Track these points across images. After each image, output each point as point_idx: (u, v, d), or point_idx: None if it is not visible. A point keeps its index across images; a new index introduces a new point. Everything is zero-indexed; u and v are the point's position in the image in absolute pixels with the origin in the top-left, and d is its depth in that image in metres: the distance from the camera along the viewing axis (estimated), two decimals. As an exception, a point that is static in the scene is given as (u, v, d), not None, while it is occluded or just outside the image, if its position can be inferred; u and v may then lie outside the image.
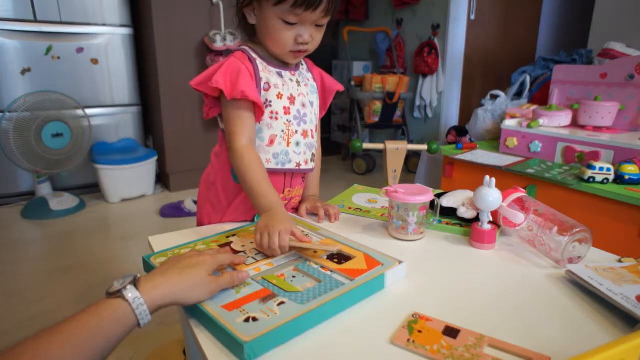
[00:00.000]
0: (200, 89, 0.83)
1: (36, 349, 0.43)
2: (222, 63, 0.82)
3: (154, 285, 0.53)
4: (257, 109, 0.83)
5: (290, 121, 0.87)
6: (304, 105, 0.90)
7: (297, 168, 0.90)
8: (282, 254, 0.70)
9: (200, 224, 0.95)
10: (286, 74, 0.88)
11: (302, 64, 0.93)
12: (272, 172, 0.88)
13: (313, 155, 0.94)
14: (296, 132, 0.88)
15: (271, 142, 0.86)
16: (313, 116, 0.92)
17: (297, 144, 0.89)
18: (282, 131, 0.86)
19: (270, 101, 0.84)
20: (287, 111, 0.87)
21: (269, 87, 0.84)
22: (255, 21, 0.83)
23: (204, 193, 0.95)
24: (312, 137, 0.92)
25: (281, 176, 0.91)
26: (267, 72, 0.85)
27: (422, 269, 0.71)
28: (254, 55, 0.84)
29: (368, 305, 0.60)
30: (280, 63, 0.88)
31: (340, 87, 0.99)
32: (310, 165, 0.94)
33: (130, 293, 0.50)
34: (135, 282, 0.52)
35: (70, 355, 0.45)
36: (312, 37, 0.81)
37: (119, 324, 0.49)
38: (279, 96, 0.85)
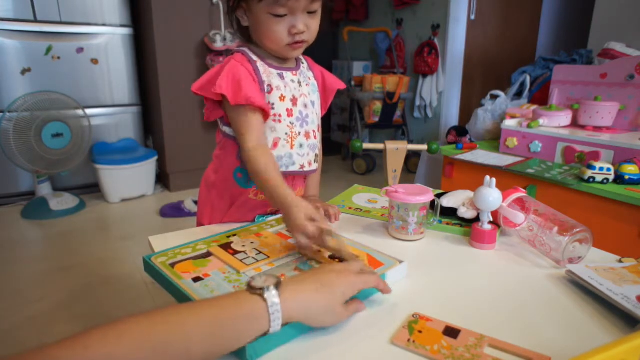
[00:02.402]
0: (202, 94, 0.81)
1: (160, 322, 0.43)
2: (222, 66, 0.81)
3: (293, 297, 0.49)
4: (263, 112, 0.82)
5: (293, 123, 0.86)
6: (305, 106, 0.89)
7: (301, 170, 0.90)
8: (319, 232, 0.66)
9: (200, 224, 0.95)
10: (287, 74, 0.87)
11: (302, 62, 0.92)
12: None
13: (316, 155, 0.93)
14: (299, 133, 0.88)
15: (275, 145, 0.85)
16: (315, 116, 0.92)
17: (301, 145, 0.88)
18: (286, 134, 0.86)
19: (273, 104, 0.83)
20: (289, 113, 0.86)
21: (271, 89, 0.83)
22: (248, 23, 0.82)
23: (204, 194, 0.95)
24: (315, 137, 0.92)
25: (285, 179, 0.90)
26: (268, 74, 0.84)
27: (423, 269, 0.71)
28: (254, 57, 0.83)
29: (368, 305, 0.60)
30: (281, 63, 0.87)
31: (342, 85, 0.98)
32: (314, 167, 0.93)
33: (272, 296, 0.47)
34: (278, 286, 0.49)
35: (202, 336, 0.44)
36: (306, 26, 0.79)
37: (252, 323, 0.47)
38: (282, 98, 0.84)
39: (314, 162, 0.93)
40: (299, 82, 0.88)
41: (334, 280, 0.54)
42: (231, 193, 0.90)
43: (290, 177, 0.91)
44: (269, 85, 0.83)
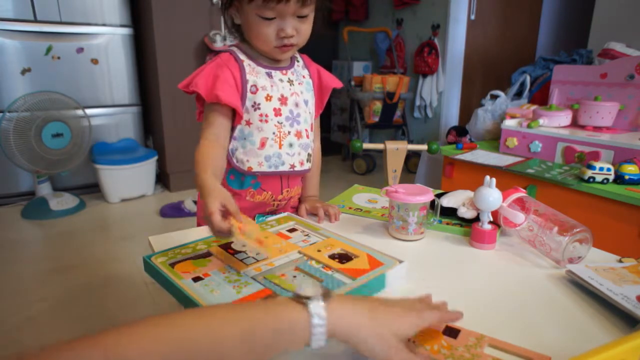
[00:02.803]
0: (187, 91, 0.83)
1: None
2: (206, 65, 0.82)
3: (341, 315, 0.44)
4: (236, 113, 0.83)
5: (282, 122, 0.86)
6: (297, 105, 0.88)
7: (292, 170, 0.89)
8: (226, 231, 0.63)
9: (200, 224, 0.95)
10: (276, 74, 0.86)
11: (297, 60, 0.91)
12: (266, 175, 0.88)
13: (309, 155, 0.93)
14: (289, 133, 0.87)
15: (262, 145, 0.85)
16: (308, 115, 0.91)
17: (291, 145, 0.88)
18: (274, 133, 0.86)
19: (259, 104, 0.84)
20: (277, 113, 0.85)
21: (256, 89, 0.83)
22: (240, 21, 0.83)
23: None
24: (307, 137, 0.91)
25: (277, 179, 0.90)
26: (255, 74, 0.84)
27: (423, 269, 0.71)
28: (242, 57, 0.84)
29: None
30: (271, 62, 0.86)
31: (339, 84, 0.97)
32: (306, 166, 0.93)
33: (316, 307, 0.43)
34: (326, 298, 0.44)
35: (231, 345, 0.41)
36: (295, 30, 0.78)
37: (291, 333, 0.43)
38: (268, 98, 0.84)
39: (307, 161, 0.92)
40: (290, 81, 0.88)
41: (392, 317, 0.47)
42: None
43: (285, 176, 0.91)
44: (254, 86, 0.83)
